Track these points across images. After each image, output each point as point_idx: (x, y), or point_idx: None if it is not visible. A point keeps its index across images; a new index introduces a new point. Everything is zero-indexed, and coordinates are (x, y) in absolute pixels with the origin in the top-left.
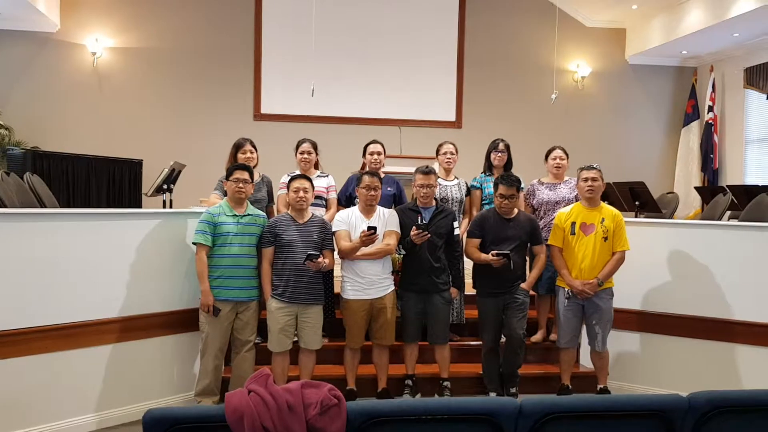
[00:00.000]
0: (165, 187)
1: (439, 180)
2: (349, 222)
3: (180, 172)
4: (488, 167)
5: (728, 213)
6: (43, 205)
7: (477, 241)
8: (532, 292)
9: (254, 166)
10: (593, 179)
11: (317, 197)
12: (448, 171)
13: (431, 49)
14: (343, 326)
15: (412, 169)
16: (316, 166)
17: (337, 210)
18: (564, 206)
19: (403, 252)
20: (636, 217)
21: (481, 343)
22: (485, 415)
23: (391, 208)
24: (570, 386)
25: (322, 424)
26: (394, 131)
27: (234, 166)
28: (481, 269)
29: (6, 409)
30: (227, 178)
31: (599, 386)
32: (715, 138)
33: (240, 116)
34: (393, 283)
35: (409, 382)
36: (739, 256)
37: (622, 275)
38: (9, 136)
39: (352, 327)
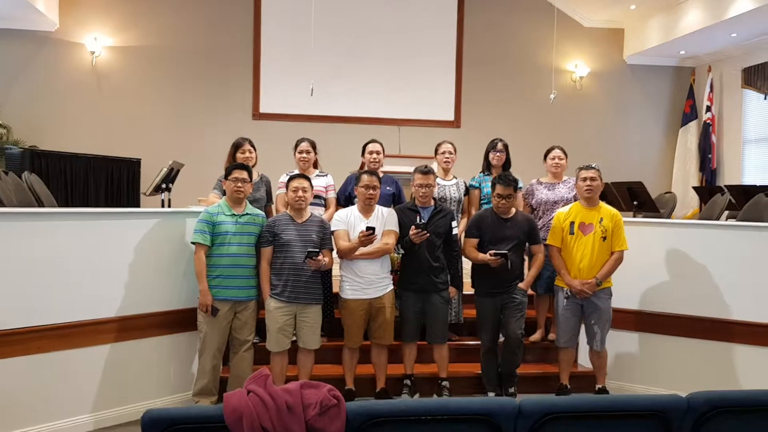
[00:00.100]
0: (163, 186)
1: (437, 179)
2: (347, 221)
3: (178, 171)
4: (487, 167)
5: (726, 213)
6: (41, 205)
7: (475, 241)
8: (530, 292)
9: (253, 166)
10: (592, 179)
11: (316, 196)
12: (446, 171)
13: (430, 49)
14: (342, 326)
15: (411, 169)
16: (315, 166)
17: (336, 209)
18: (563, 206)
19: (401, 251)
20: (634, 216)
21: (479, 342)
22: (484, 415)
23: (390, 207)
24: (569, 386)
25: (322, 425)
26: (392, 131)
27: (233, 165)
28: (479, 269)
29: (2, 409)
30: (226, 177)
31: (598, 386)
32: (713, 138)
33: (239, 115)
34: (392, 282)
35: (408, 381)
36: (737, 256)
37: (621, 275)
38: (7, 135)
39: (351, 326)
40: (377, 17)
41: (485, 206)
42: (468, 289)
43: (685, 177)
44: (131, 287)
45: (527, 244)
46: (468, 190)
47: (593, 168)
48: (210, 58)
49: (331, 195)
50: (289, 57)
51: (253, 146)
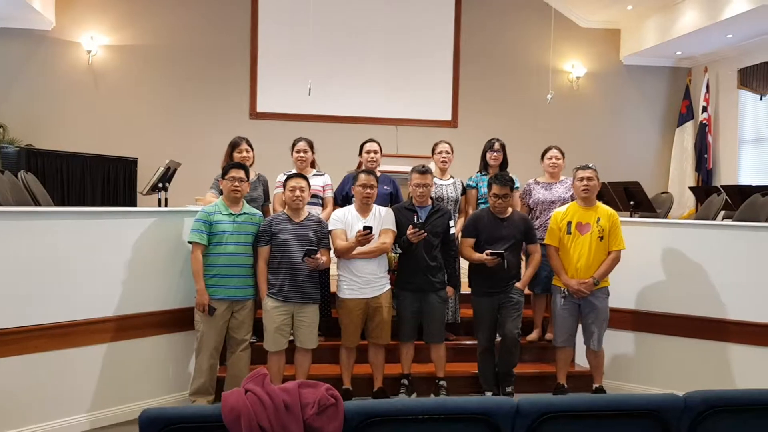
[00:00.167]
0: (160, 185)
1: (434, 179)
2: (345, 221)
3: (175, 170)
4: (484, 166)
5: (722, 213)
6: (37, 204)
7: (471, 241)
8: (527, 291)
9: (250, 165)
10: (589, 179)
11: (313, 196)
12: (443, 170)
13: (427, 49)
14: (339, 325)
15: (408, 169)
16: (313, 165)
17: (334, 209)
18: (560, 206)
19: (399, 251)
20: (631, 216)
21: (476, 342)
22: (482, 414)
23: (387, 207)
24: (566, 385)
25: (320, 424)
26: (390, 130)
27: (230, 164)
28: (475, 269)
29: None
30: (223, 176)
31: (595, 385)
32: (709, 138)
33: (236, 115)
34: (389, 282)
35: (405, 381)
36: (733, 256)
37: (618, 275)
38: (3, 133)
39: (348, 326)
40: (375, 17)
41: (482, 206)
42: (465, 289)
43: (681, 177)
44: (128, 287)
45: (524, 244)
46: (465, 190)
47: (590, 168)
48: (207, 57)
49: (329, 194)
50: (287, 56)
51: (250, 146)
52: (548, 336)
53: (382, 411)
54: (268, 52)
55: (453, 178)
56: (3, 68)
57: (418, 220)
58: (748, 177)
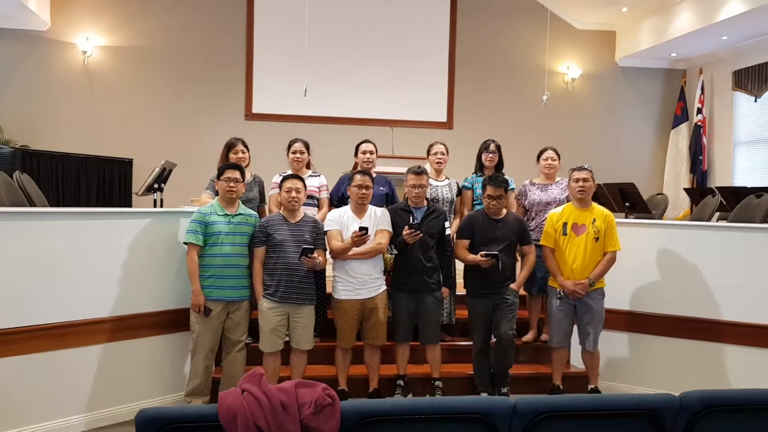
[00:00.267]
0: (156, 186)
1: (429, 180)
2: (341, 222)
3: (171, 171)
4: (479, 168)
5: (717, 214)
6: (32, 204)
7: (466, 242)
8: (523, 292)
9: (246, 166)
10: (584, 180)
11: (309, 197)
12: (438, 171)
13: (423, 50)
14: (335, 326)
15: (404, 170)
16: (308, 166)
17: (329, 209)
18: (555, 207)
19: (395, 252)
20: (626, 218)
21: (471, 343)
22: (479, 414)
23: (383, 207)
24: (561, 386)
25: (316, 424)
26: (386, 131)
27: (225, 165)
28: (470, 270)
29: None
30: (218, 177)
31: (590, 386)
32: (704, 140)
33: (231, 115)
34: (385, 283)
35: (401, 382)
36: (727, 257)
37: (613, 276)
38: None
39: (344, 327)
40: (370, 18)
41: (478, 207)
42: (461, 290)
43: (676, 178)
44: (124, 287)
45: (519, 245)
46: (460, 191)
47: (586, 169)
48: (203, 58)
49: (324, 195)
50: (282, 57)
51: (246, 146)
52: (543, 337)
53: (379, 411)
54: (264, 53)
55: (448, 179)
56: None
57: (413, 220)
58: (742, 178)
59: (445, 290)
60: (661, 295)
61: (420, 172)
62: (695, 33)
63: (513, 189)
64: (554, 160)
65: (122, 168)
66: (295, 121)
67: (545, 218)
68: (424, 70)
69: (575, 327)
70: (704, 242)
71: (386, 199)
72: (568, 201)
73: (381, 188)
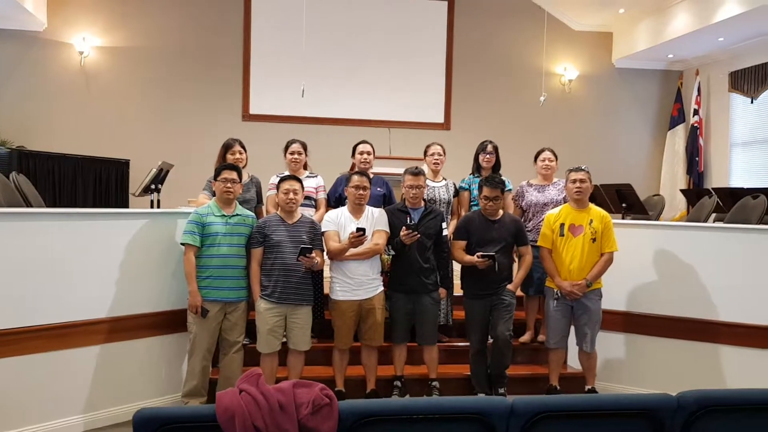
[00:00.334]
0: (153, 187)
1: (427, 181)
2: (338, 222)
3: (168, 172)
4: (477, 169)
5: (713, 215)
6: (29, 205)
7: (462, 243)
8: (519, 293)
9: (243, 167)
10: (581, 181)
11: (306, 197)
12: (435, 172)
13: (420, 51)
14: (332, 327)
15: (401, 170)
16: (305, 167)
17: (327, 210)
18: (552, 208)
19: (392, 252)
20: (623, 218)
21: (468, 344)
22: (477, 414)
23: (380, 208)
24: (558, 387)
25: (314, 424)
26: (383, 132)
27: (222, 165)
28: (467, 271)
29: None
30: (215, 178)
31: (587, 387)
32: (701, 141)
33: (229, 116)
34: (382, 283)
35: (398, 383)
36: (724, 258)
37: (609, 276)
38: None
39: (341, 328)
40: (368, 19)
41: (475, 208)
42: (458, 291)
43: (672, 180)
44: (121, 288)
45: (515, 246)
46: (457, 192)
47: (583, 170)
48: (200, 59)
49: (321, 196)
50: (280, 58)
51: (243, 147)
52: (540, 338)
53: (376, 410)
54: (261, 53)
55: (445, 180)
56: None
57: (411, 221)
58: (738, 180)
59: (442, 291)
60: (658, 295)
61: (417, 172)
62: (692, 34)
63: (510, 190)
64: (551, 161)
65: (119, 169)
66: (292, 122)
67: (542, 219)
68: (422, 71)
69: (572, 328)
70: (701, 243)
71: (383, 200)
72: (565, 202)
73: (378, 189)
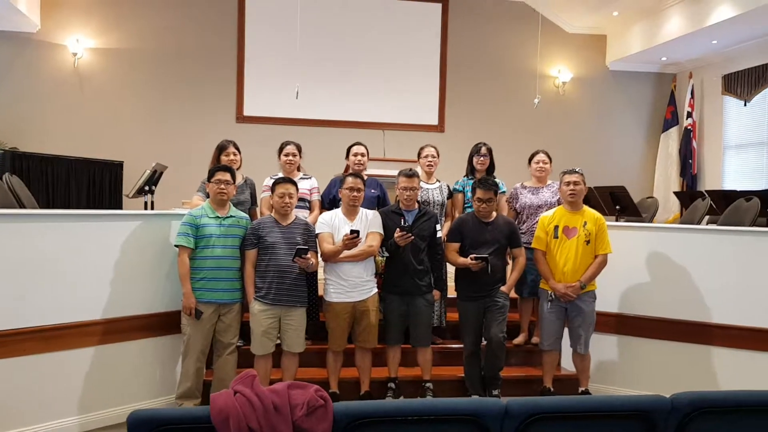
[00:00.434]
0: (147, 188)
1: (420, 183)
2: (332, 224)
3: (162, 173)
4: (471, 171)
5: (707, 218)
6: (22, 207)
7: (456, 245)
8: (513, 295)
9: (237, 169)
10: (575, 183)
11: (300, 199)
12: (429, 174)
13: (415, 54)
14: (326, 329)
15: (395, 172)
16: (299, 169)
17: (321, 212)
18: (546, 210)
19: (386, 254)
20: (616, 221)
21: (462, 346)
22: (471, 415)
23: (374, 210)
24: (552, 389)
25: (309, 425)
26: (377, 134)
27: (216, 167)
28: (461, 273)
29: None
30: (209, 179)
31: (581, 389)
32: (694, 144)
33: (223, 118)
34: (376, 285)
35: (392, 384)
36: (717, 260)
37: (603, 278)
38: None
39: (335, 330)
40: (362, 21)
41: (469, 210)
42: (452, 293)
43: (666, 182)
44: (114, 290)
45: (509, 248)
46: (451, 194)
47: (577, 172)
48: (193, 61)
49: (315, 197)
50: (274, 60)
51: (237, 149)
52: (534, 340)
53: (371, 412)
54: (255, 55)
55: (439, 182)
56: None
57: (404, 223)
58: (732, 182)
59: (436, 293)
60: (651, 297)
61: (411, 174)
62: (685, 37)
63: (504, 192)
64: (545, 163)
65: (113, 170)
66: (286, 123)
67: (536, 221)
68: (416, 73)
69: (566, 330)
70: (694, 245)
71: (377, 202)
72: (559, 204)
73: (372, 191)
